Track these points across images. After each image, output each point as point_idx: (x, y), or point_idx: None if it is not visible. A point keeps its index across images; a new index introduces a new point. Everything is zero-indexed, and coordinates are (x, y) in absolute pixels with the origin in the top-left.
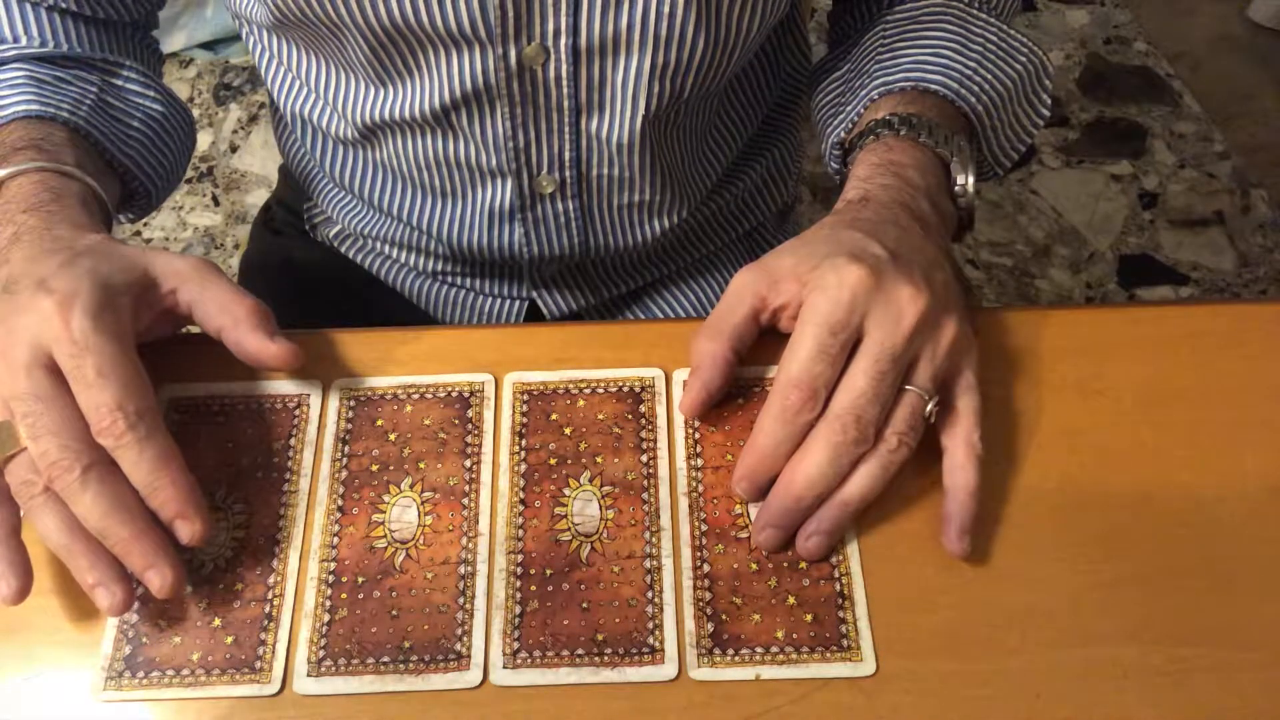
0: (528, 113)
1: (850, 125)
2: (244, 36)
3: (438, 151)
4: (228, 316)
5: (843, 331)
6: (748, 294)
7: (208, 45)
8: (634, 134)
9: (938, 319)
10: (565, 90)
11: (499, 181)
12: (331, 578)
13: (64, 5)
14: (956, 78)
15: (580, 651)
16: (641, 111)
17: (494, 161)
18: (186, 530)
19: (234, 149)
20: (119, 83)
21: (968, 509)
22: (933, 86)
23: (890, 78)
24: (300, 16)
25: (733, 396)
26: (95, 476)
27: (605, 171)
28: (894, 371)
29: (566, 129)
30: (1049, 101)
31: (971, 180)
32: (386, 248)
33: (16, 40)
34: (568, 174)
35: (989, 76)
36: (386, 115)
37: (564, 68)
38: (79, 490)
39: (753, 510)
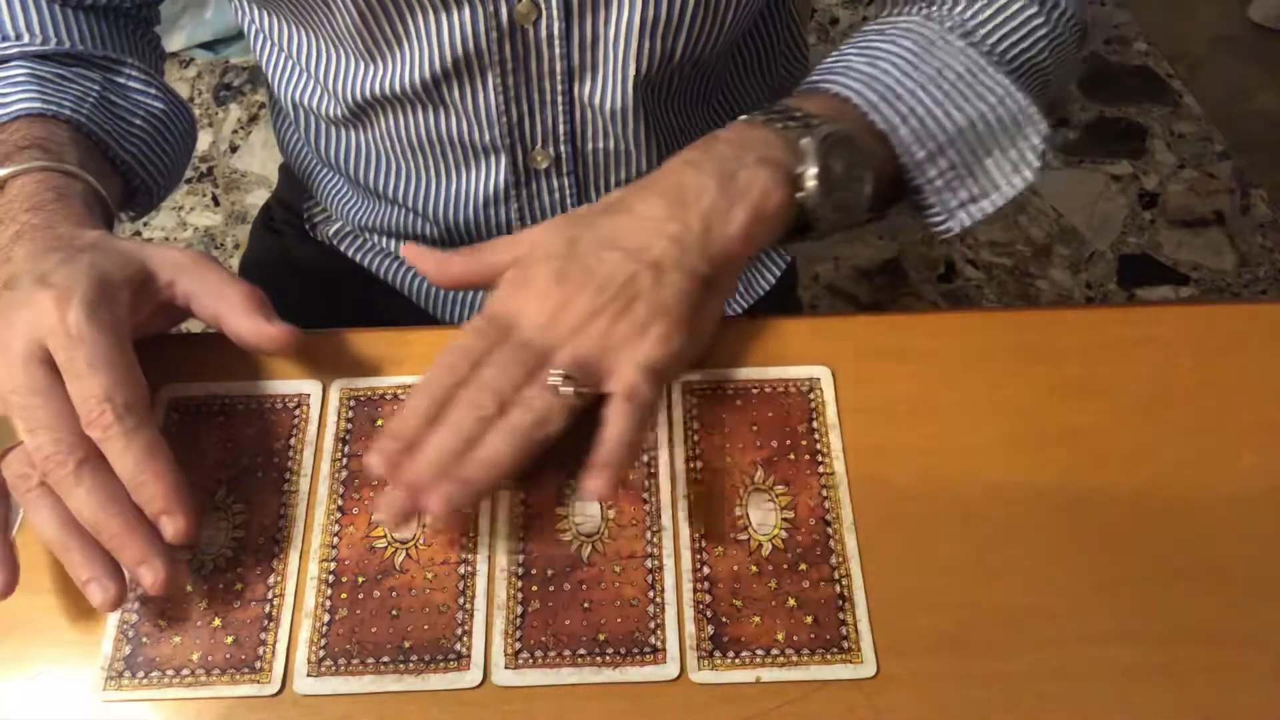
0: (519, 81)
1: None
2: (238, 18)
3: (430, 128)
4: (224, 303)
5: (497, 319)
6: (505, 257)
7: (208, 45)
8: (627, 99)
9: (590, 311)
10: (557, 50)
11: (492, 158)
12: (331, 578)
13: None
14: (880, 90)
15: (582, 651)
16: (633, 72)
17: (487, 137)
18: (171, 527)
19: (234, 149)
20: (121, 81)
21: (610, 451)
22: (844, 92)
23: (814, 79)
24: None
25: (731, 398)
26: (89, 470)
27: (600, 145)
28: (516, 354)
29: (559, 97)
30: (1034, 163)
31: (812, 171)
32: (384, 240)
33: (19, 38)
34: (562, 148)
35: (929, 102)
36: (377, 90)
37: (556, 25)
38: (73, 484)
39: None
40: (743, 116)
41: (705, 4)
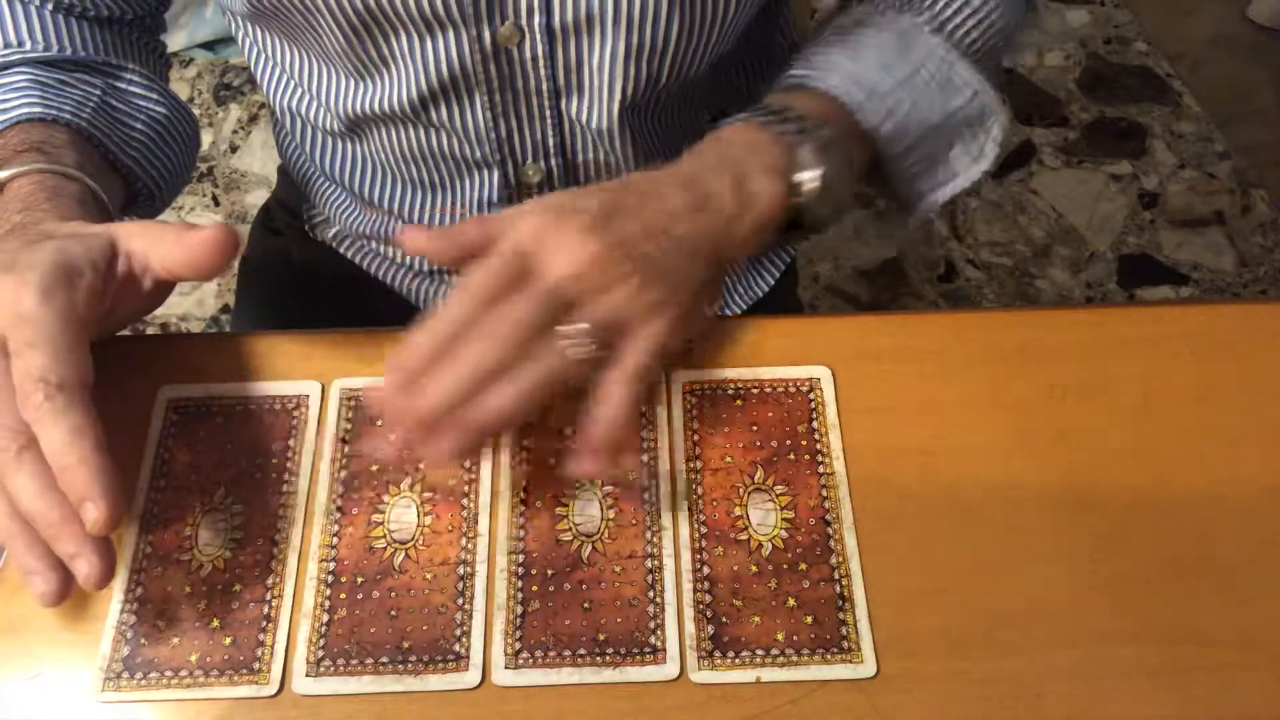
0: (507, 99)
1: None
2: (233, 30)
3: (422, 144)
4: (162, 246)
5: (522, 257)
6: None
7: (208, 45)
8: (613, 120)
9: (618, 276)
10: (543, 71)
11: (484, 172)
12: (330, 578)
13: (68, 4)
14: (866, 89)
15: (582, 651)
16: (618, 96)
17: (478, 153)
18: (92, 514)
19: (234, 149)
20: (122, 86)
21: (609, 429)
22: (833, 91)
23: (800, 72)
24: (274, 4)
25: (732, 398)
26: (30, 457)
27: (591, 158)
28: (540, 298)
29: (548, 112)
30: (991, 154)
31: (812, 175)
32: (381, 247)
33: (21, 44)
34: (553, 162)
35: (908, 101)
36: (368, 108)
37: (540, 47)
38: (14, 470)
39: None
40: (741, 115)
41: (690, 28)
